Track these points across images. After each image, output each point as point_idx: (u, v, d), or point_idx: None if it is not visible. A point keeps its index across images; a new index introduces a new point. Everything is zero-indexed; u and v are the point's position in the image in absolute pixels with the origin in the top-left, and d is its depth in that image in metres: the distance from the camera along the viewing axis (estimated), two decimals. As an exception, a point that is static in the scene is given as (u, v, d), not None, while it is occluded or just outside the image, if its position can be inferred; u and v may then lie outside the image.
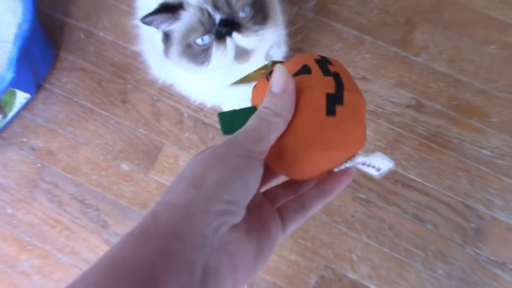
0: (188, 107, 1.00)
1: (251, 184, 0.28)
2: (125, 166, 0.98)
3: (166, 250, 0.24)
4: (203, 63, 0.57)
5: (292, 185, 0.36)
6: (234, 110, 0.33)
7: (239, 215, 0.28)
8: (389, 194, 0.94)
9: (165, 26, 0.59)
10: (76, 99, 1.02)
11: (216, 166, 0.27)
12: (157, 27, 0.60)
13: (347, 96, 0.31)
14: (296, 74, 0.32)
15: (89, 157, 0.99)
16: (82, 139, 1.00)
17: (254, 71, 0.36)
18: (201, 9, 0.56)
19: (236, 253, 0.28)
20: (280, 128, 0.30)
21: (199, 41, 0.57)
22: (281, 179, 0.36)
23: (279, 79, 0.30)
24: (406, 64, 0.98)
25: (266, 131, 0.29)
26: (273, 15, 0.63)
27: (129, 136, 0.99)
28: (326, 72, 0.32)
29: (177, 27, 0.59)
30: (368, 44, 0.99)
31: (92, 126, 1.00)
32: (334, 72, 0.32)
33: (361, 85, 0.95)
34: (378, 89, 0.97)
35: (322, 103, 0.30)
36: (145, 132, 0.99)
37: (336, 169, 0.33)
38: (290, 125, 0.30)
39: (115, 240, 0.96)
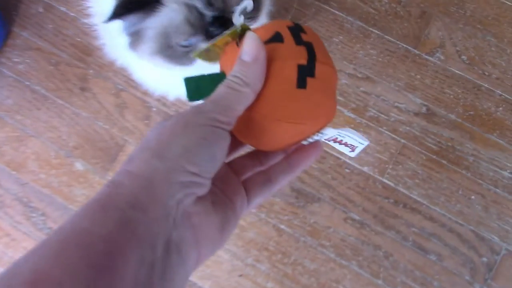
0: (158, 100, 0.86)
1: (217, 155, 0.28)
2: (79, 165, 0.85)
3: (127, 222, 0.24)
4: (184, 64, 0.51)
5: (258, 155, 0.35)
6: (202, 75, 0.32)
7: (205, 187, 0.27)
8: (387, 216, 0.80)
9: (135, 27, 0.50)
10: (28, 83, 0.88)
11: (182, 135, 0.27)
12: (124, 29, 0.50)
13: (319, 68, 0.31)
14: (267, 42, 0.31)
15: (38, 152, 0.85)
16: (32, 130, 0.86)
17: (221, 37, 0.34)
18: (188, 6, 0.47)
19: (200, 226, 0.28)
20: (249, 98, 0.29)
21: (183, 43, 0.48)
22: (247, 148, 0.35)
23: (250, 47, 0.29)
24: (417, 64, 0.84)
25: (234, 101, 0.29)
26: (264, 2, 0.55)
27: (86, 130, 0.85)
28: (298, 41, 0.31)
29: (152, 23, 0.49)
30: (374, 38, 0.84)
31: (45, 115, 0.86)
32: (307, 41, 0.31)
33: (363, 86, 0.81)
34: (382, 91, 0.83)
35: (293, 74, 0.30)
36: (106, 126, 0.85)
37: (304, 142, 0.33)
38: (258, 95, 0.30)
39: (62, 251, 0.82)
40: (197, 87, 0.32)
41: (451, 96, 0.84)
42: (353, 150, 0.35)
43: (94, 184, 0.85)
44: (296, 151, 0.34)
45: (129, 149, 0.85)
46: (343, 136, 0.33)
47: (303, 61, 0.30)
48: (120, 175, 0.26)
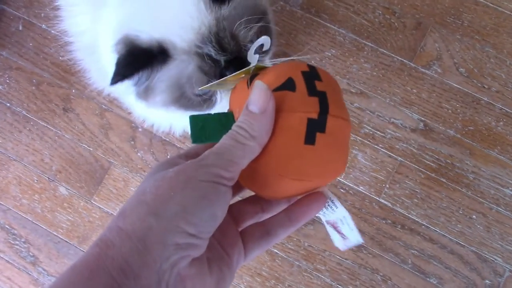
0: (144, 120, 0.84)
1: (218, 214, 0.27)
2: (63, 190, 0.83)
3: None
4: (201, 109, 0.49)
5: (260, 201, 0.34)
6: (208, 114, 0.31)
7: (201, 249, 0.26)
8: (385, 238, 0.78)
9: (145, 84, 0.48)
10: (8, 105, 0.86)
11: (181, 192, 0.26)
12: (132, 85, 0.48)
13: (330, 122, 0.29)
14: (278, 88, 0.30)
15: (20, 176, 0.84)
16: (13, 154, 0.84)
17: (233, 75, 0.33)
18: (200, 55, 0.45)
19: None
20: (254, 152, 0.28)
21: (198, 92, 0.47)
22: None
23: (259, 97, 0.28)
24: (414, 78, 0.82)
25: (239, 154, 0.27)
26: (274, 30, 0.54)
27: (70, 152, 0.84)
28: (311, 91, 0.30)
29: (163, 76, 0.47)
30: (368, 51, 0.82)
31: (26, 138, 0.84)
32: (320, 91, 0.30)
33: (357, 102, 0.79)
34: (377, 107, 0.81)
35: (302, 129, 0.28)
36: (90, 148, 0.83)
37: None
38: (265, 147, 0.29)
39: (46, 281, 0.80)
40: (203, 127, 0.31)
41: (449, 111, 0.82)
42: (344, 243, 0.33)
43: (79, 209, 0.83)
44: (297, 203, 0.33)
45: (114, 172, 0.83)
46: (343, 224, 0.32)
47: (314, 115, 0.29)
48: (112, 232, 0.25)
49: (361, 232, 0.80)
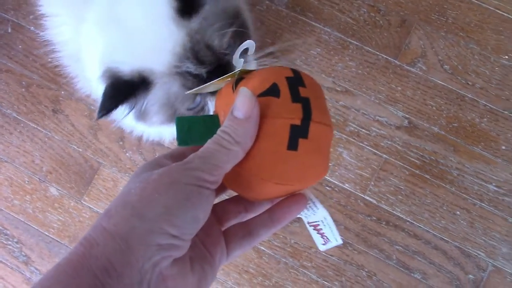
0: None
1: (200, 216, 0.28)
2: (53, 190, 0.85)
3: None
4: None
5: (243, 201, 0.35)
6: (194, 117, 0.32)
7: (183, 249, 0.27)
8: (370, 235, 0.80)
9: (136, 110, 0.50)
10: (-2, 107, 0.88)
11: (165, 194, 0.26)
12: (129, 111, 0.50)
13: (313, 128, 0.30)
14: (263, 94, 0.31)
15: (11, 177, 0.86)
16: (4, 155, 0.86)
17: (219, 79, 0.34)
18: (180, 73, 0.47)
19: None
20: (238, 157, 0.29)
21: (190, 106, 0.49)
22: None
23: (243, 104, 0.29)
24: (398, 76, 0.83)
25: (223, 159, 0.28)
26: (252, 29, 0.56)
27: (60, 153, 0.85)
28: (295, 97, 0.31)
29: (152, 99, 0.50)
30: (353, 50, 0.84)
31: (17, 140, 0.86)
32: (304, 97, 0.31)
33: (342, 100, 0.80)
34: (362, 105, 0.82)
35: (284, 135, 0.30)
36: (80, 149, 0.85)
37: None
38: (248, 152, 0.30)
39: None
40: (189, 129, 0.32)
41: (434, 108, 0.83)
42: (325, 244, 0.35)
43: (69, 209, 0.85)
44: (279, 204, 0.34)
45: (104, 172, 0.85)
46: (324, 225, 0.33)
47: (297, 121, 0.30)
48: (96, 231, 0.26)
49: (347, 229, 0.82)
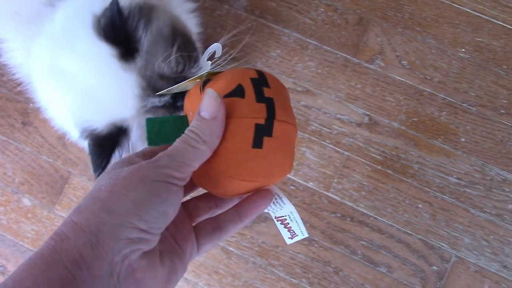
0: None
1: (169, 212, 0.29)
2: (26, 201, 0.87)
3: (71, 280, 0.25)
4: None
5: (213, 198, 0.37)
6: (164, 117, 0.35)
7: (152, 243, 0.29)
8: (335, 231, 0.82)
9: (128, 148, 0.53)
10: (-31, 122, 0.90)
11: (134, 190, 0.28)
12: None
13: (277, 126, 0.32)
14: (228, 95, 0.33)
15: (-15, 190, 0.88)
16: (-23, 169, 0.89)
17: (187, 81, 0.37)
18: (150, 109, 0.50)
19: (144, 280, 0.28)
20: (205, 155, 0.31)
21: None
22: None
23: (209, 105, 0.31)
24: (357, 73, 0.85)
25: (191, 157, 0.30)
26: (194, 36, 0.59)
27: (31, 165, 0.88)
28: (260, 97, 0.32)
29: (133, 139, 0.52)
30: (312, 50, 0.86)
31: (-11, 153, 0.89)
32: (268, 97, 0.33)
33: (304, 100, 0.82)
34: (323, 104, 0.84)
35: (249, 134, 0.31)
36: (50, 160, 0.88)
37: None
38: (215, 151, 0.32)
39: (15, 289, 0.85)
40: (159, 129, 0.33)
41: (393, 104, 0.85)
42: (291, 238, 0.37)
43: (42, 219, 0.88)
44: (246, 200, 0.36)
45: (74, 181, 0.88)
46: (291, 220, 0.35)
47: (261, 121, 0.32)
48: (67, 226, 0.28)
49: (312, 226, 0.84)
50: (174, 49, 0.51)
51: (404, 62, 0.86)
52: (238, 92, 0.33)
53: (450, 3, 0.87)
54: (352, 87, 0.87)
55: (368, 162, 0.85)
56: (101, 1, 0.50)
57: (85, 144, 0.51)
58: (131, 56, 0.49)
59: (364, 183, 0.85)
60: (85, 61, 0.49)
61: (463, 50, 0.86)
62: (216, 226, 0.35)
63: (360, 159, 0.85)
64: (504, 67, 0.85)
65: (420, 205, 0.84)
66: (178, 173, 0.29)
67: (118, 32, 0.48)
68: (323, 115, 0.87)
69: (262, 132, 0.31)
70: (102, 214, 0.27)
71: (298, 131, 0.87)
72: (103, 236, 0.26)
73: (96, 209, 0.28)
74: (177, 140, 0.31)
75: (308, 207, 0.85)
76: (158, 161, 0.29)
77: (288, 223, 0.36)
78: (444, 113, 0.85)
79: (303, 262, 0.84)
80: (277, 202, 0.35)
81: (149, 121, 0.33)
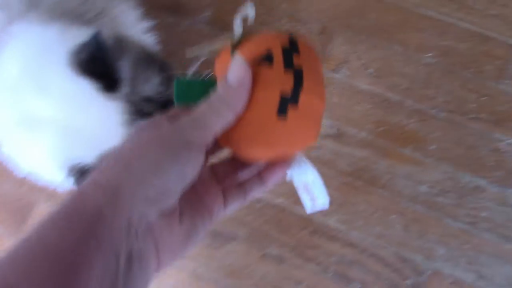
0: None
1: (188, 174, 0.30)
2: (-9, 230, 0.86)
3: (92, 234, 0.26)
4: None
5: (239, 162, 0.38)
6: (193, 79, 0.35)
7: (171, 203, 0.30)
8: (306, 248, 0.81)
9: None
10: None
11: (155, 151, 0.29)
12: None
13: (303, 97, 0.32)
14: (257, 61, 0.33)
15: (-51, 221, 0.87)
16: None
17: (219, 43, 0.37)
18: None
19: (162, 238, 0.30)
20: (229, 120, 0.31)
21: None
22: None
23: (236, 71, 0.31)
24: (325, 81, 0.83)
25: (214, 122, 0.30)
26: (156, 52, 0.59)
27: (-5, 193, 0.87)
28: (288, 65, 0.32)
29: None
30: (275, 62, 0.83)
31: (-48, 183, 0.88)
32: (297, 66, 0.33)
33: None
34: (288, 117, 0.82)
35: (274, 103, 0.32)
36: (15, 187, 0.86)
37: None
38: (240, 117, 0.32)
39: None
40: (187, 90, 0.34)
41: (361, 113, 0.83)
42: (313, 207, 0.37)
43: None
44: (266, 167, 0.37)
45: (40, 208, 0.87)
46: (314, 185, 0.36)
47: (288, 90, 0.32)
48: (88, 184, 0.29)
49: (281, 244, 0.82)
50: (154, 71, 0.51)
51: (370, 70, 0.85)
52: (266, 58, 0.33)
53: (414, 7, 0.85)
54: (317, 98, 0.85)
55: (337, 175, 0.83)
56: (66, 37, 0.50)
57: (71, 181, 0.51)
58: (114, 86, 0.49)
59: (334, 197, 0.83)
60: (64, 101, 0.49)
61: (430, 54, 0.84)
62: (242, 190, 0.37)
63: (329, 171, 0.84)
64: (472, 70, 0.83)
65: (392, 217, 0.82)
66: (199, 138, 0.30)
67: (100, 66, 0.48)
68: (289, 128, 0.85)
69: (287, 102, 0.32)
70: (122, 173, 0.28)
71: (324, 108, 0.85)
72: (122, 194, 0.27)
73: (116, 168, 0.29)
74: (202, 103, 0.31)
75: (278, 224, 0.83)
76: (181, 124, 0.30)
77: (312, 189, 0.36)
78: (412, 120, 0.83)
79: (274, 281, 0.82)
80: (300, 166, 0.36)
81: (177, 82, 0.34)
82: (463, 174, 0.81)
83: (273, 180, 0.37)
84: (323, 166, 0.83)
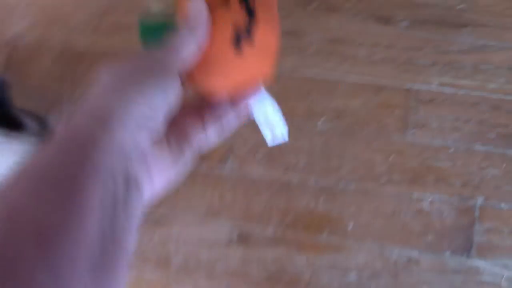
0: None
1: (169, 97, 0.31)
2: None
3: (86, 156, 0.26)
4: None
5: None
6: (154, 17, 0.37)
7: (157, 127, 0.31)
8: None
9: None
10: None
11: (138, 79, 0.30)
12: None
13: (256, 31, 0.34)
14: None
15: None
16: None
17: None
18: None
19: (154, 166, 0.32)
20: (193, 48, 0.33)
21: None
22: None
23: (195, 9, 0.33)
24: (211, 181, 0.72)
25: (180, 48, 0.33)
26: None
27: None
28: (242, 1, 0.35)
29: None
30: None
31: None
32: (251, 2, 0.35)
33: (157, 232, 0.69)
34: (180, 231, 0.71)
35: (229, 36, 0.34)
36: None
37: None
38: (200, 55, 0.34)
39: None
40: (149, 28, 0.36)
41: (261, 206, 0.72)
42: (273, 136, 0.39)
43: None
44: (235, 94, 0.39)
45: None
46: (274, 115, 0.38)
47: (241, 25, 0.34)
48: (78, 115, 0.29)
49: None
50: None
51: (258, 155, 0.73)
52: None
53: (290, 72, 0.75)
54: (209, 200, 0.73)
55: (252, 285, 0.71)
56: None
57: None
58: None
59: (254, 312, 0.71)
60: None
61: (323, 119, 0.74)
62: (217, 116, 0.37)
63: (242, 283, 0.71)
64: (372, 127, 0.73)
65: (324, 319, 0.70)
66: (171, 61, 0.32)
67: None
68: (184, 245, 0.72)
69: (241, 35, 0.34)
70: (109, 99, 0.29)
71: (161, 274, 0.73)
72: (112, 118, 0.28)
73: (102, 95, 0.29)
74: (168, 36, 0.33)
75: None
76: (154, 54, 0.32)
77: (271, 120, 0.38)
78: (320, 200, 0.72)
79: None
80: (261, 98, 0.37)
81: (140, 21, 0.36)
82: (391, 249, 0.71)
83: (242, 101, 0.38)
84: (232, 278, 0.71)
